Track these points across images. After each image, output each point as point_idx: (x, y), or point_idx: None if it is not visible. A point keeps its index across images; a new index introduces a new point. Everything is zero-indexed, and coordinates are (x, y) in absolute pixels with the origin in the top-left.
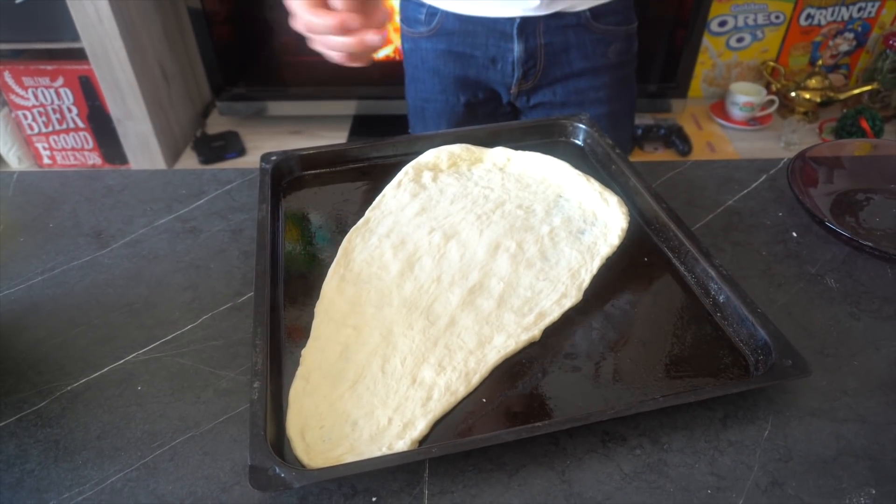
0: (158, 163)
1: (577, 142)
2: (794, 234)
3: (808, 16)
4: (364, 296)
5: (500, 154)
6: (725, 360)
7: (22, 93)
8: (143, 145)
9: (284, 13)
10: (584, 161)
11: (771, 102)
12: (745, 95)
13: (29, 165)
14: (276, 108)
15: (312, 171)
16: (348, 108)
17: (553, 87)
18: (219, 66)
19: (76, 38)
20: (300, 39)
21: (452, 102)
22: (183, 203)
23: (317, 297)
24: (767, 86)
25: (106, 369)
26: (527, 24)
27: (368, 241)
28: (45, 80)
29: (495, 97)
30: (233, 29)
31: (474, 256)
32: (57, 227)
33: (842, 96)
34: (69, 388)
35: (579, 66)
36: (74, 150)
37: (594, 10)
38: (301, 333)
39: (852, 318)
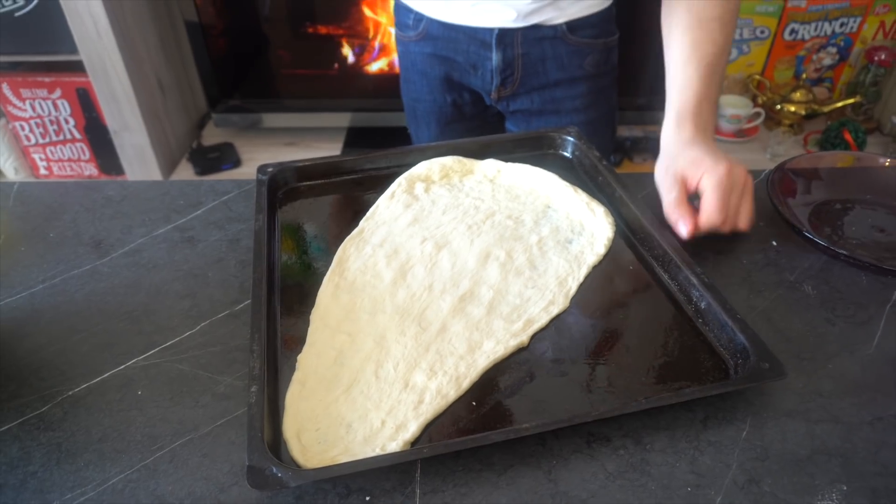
0: (154, 174)
1: (565, 154)
2: (774, 243)
3: (793, 31)
4: (358, 303)
5: (491, 166)
6: (706, 363)
7: (20, 104)
8: (139, 157)
9: (280, 26)
10: (573, 172)
11: (757, 115)
12: (733, 108)
13: (25, 176)
14: (272, 119)
15: (308, 182)
16: (343, 119)
17: (530, 95)
18: (214, 79)
19: (74, 50)
20: (294, 52)
21: (440, 102)
22: (181, 213)
23: (312, 304)
24: (754, 99)
25: (106, 374)
26: (504, 35)
27: (362, 251)
28: (43, 92)
29: (480, 99)
30: (228, 41)
31: (465, 265)
32: (57, 237)
33: (826, 109)
34: (70, 392)
35: (555, 77)
36: (71, 161)
37: (570, 24)
38: (297, 340)
39: (828, 324)
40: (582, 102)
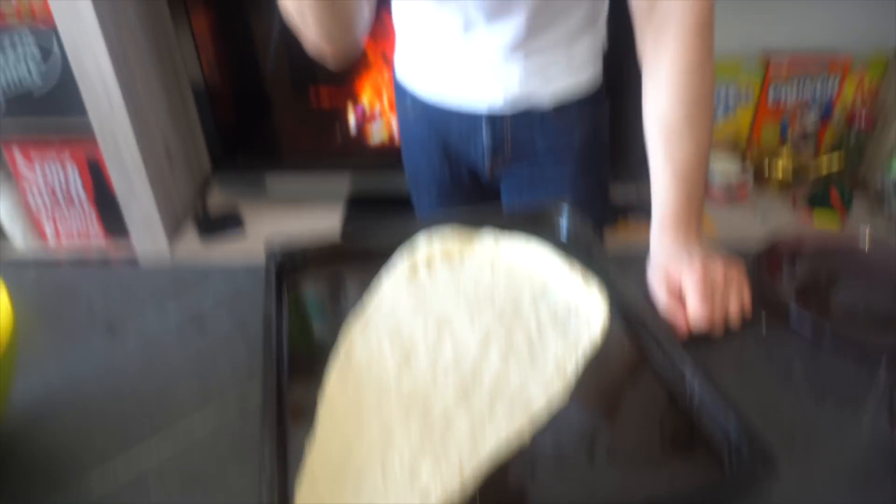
0: (160, 238)
1: (560, 228)
2: (764, 324)
3: (776, 93)
4: (364, 393)
5: (490, 243)
6: (701, 453)
7: (29, 170)
8: (145, 221)
9: (284, 92)
10: (568, 247)
11: (746, 177)
12: (722, 171)
13: (33, 240)
14: (275, 182)
15: (314, 258)
16: (345, 182)
17: (521, 165)
18: (220, 142)
19: (86, 120)
20: (298, 117)
21: (439, 173)
22: (191, 294)
23: (320, 388)
24: (743, 160)
25: (118, 462)
26: (494, 119)
27: (367, 337)
28: (53, 158)
29: (476, 171)
30: (233, 106)
31: (467, 352)
32: (71, 321)
33: (812, 169)
34: (83, 481)
35: (544, 152)
36: (78, 225)
37: (558, 107)
38: (306, 424)
39: (818, 409)
40: (572, 174)
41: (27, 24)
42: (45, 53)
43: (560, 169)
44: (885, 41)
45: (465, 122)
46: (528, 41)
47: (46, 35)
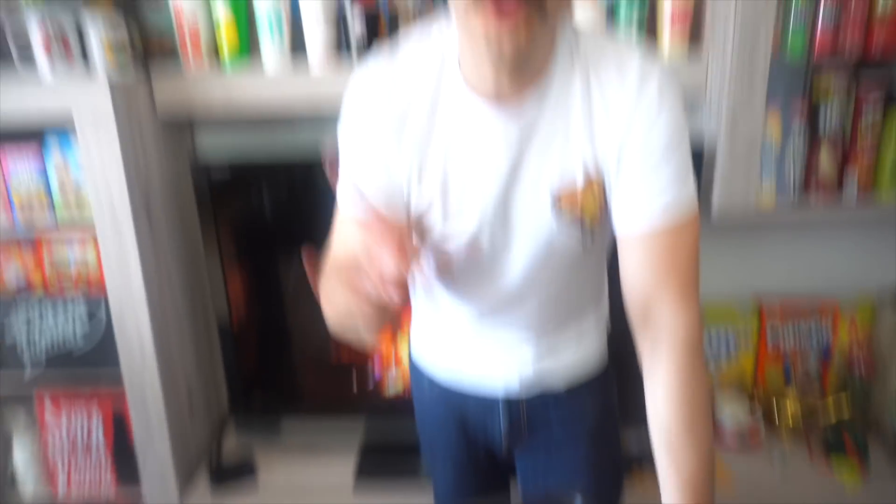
0: (171, 489)
1: None
2: None
3: (773, 336)
4: None
5: None
6: None
7: (55, 419)
8: (159, 472)
9: (305, 341)
10: None
11: (757, 420)
12: (731, 414)
13: (43, 489)
14: (290, 427)
15: None
16: (359, 430)
17: (536, 446)
18: (240, 387)
19: (117, 371)
20: (317, 365)
21: (455, 449)
22: None
23: None
24: (751, 404)
25: None
26: (510, 401)
27: None
28: (81, 408)
29: (492, 448)
30: (255, 352)
31: None
32: None
33: (821, 410)
34: None
35: (558, 425)
36: (91, 475)
37: (570, 389)
38: None
39: None
40: (586, 446)
41: (81, 292)
42: (92, 317)
43: (575, 443)
44: (869, 284)
45: (482, 405)
46: (538, 325)
47: (96, 301)
